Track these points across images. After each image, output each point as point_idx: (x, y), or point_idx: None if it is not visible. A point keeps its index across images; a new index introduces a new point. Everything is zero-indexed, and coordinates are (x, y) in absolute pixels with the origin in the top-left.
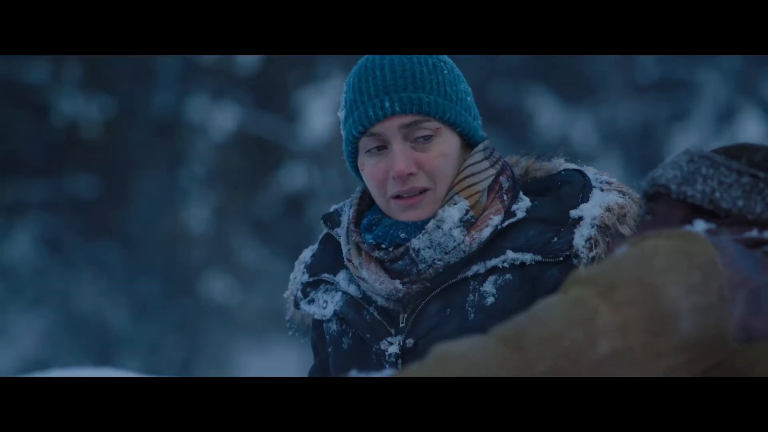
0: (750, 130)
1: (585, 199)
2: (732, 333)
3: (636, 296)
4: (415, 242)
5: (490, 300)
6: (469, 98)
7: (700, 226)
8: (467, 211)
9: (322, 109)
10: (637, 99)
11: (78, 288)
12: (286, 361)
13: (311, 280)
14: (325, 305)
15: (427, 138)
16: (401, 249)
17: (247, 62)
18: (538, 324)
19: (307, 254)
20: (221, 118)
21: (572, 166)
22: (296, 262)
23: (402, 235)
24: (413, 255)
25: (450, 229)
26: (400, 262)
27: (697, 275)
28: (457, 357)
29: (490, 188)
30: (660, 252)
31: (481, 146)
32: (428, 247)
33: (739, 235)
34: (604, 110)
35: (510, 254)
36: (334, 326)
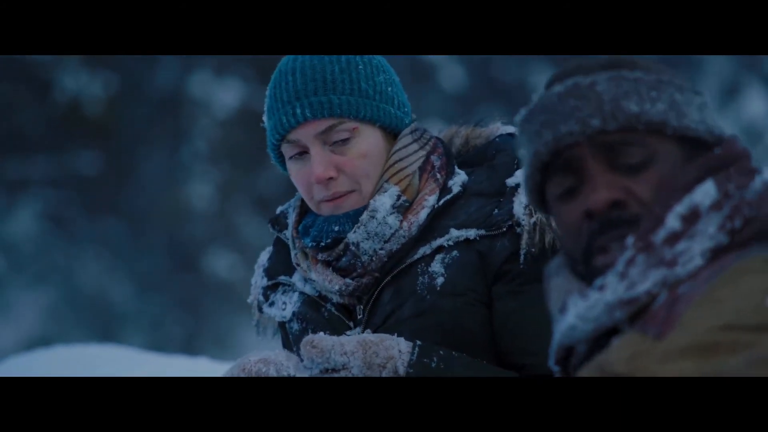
0: (754, 105)
1: (520, 166)
2: None
3: None
4: (352, 236)
5: (440, 280)
6: (390, 89)
7: (711, 187)
8: (399, 197)
9: None
10: None
11: (81, 264)
12: None
13: (270, 283)
14: (284, 306)
15: (345, 140)
16: (341, 245)
17: None
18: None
19: (264, 257)
20: (224, 94)
21: (509, 129)
22: (255, 266)
23: (336, 228)
24: (354, 249)
25: (384, 217)
26: (344, 259)
27: None
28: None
29: (422, 169)
30: None
31: (407, 130)
32: (366, 239)
33: (752, 178)
34: None
35: (454, 232)
36: (295, 325)
